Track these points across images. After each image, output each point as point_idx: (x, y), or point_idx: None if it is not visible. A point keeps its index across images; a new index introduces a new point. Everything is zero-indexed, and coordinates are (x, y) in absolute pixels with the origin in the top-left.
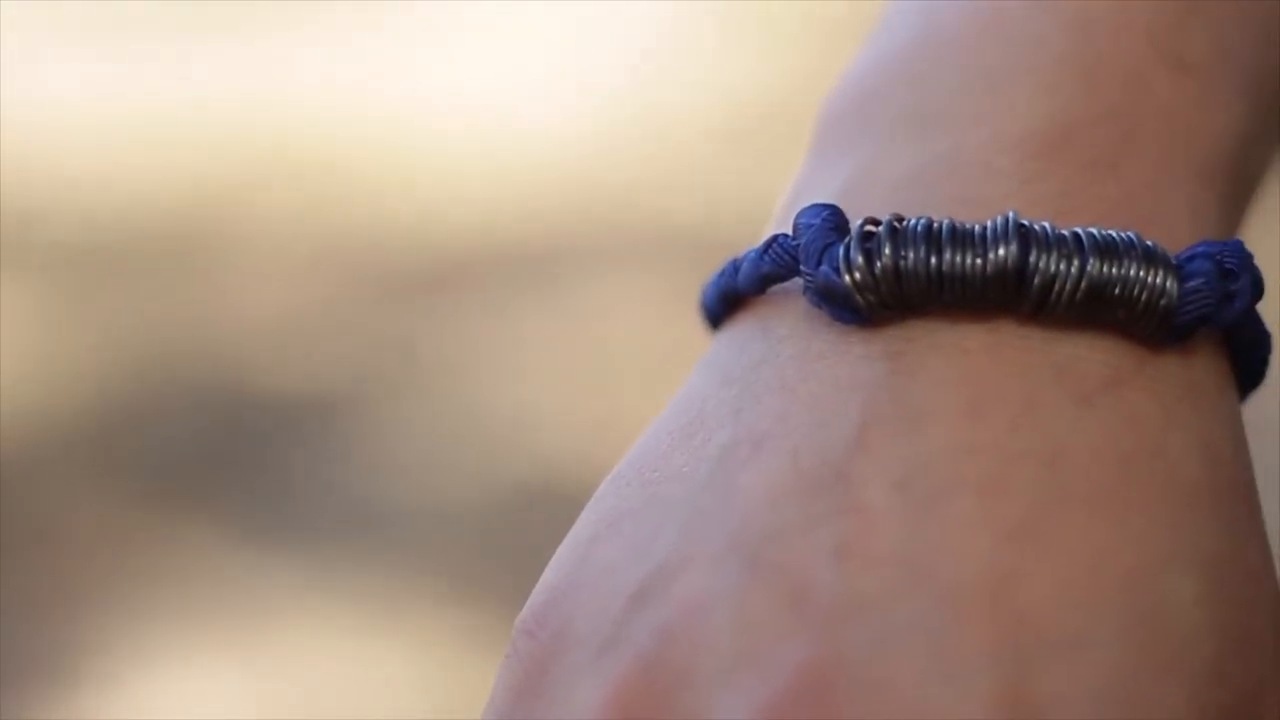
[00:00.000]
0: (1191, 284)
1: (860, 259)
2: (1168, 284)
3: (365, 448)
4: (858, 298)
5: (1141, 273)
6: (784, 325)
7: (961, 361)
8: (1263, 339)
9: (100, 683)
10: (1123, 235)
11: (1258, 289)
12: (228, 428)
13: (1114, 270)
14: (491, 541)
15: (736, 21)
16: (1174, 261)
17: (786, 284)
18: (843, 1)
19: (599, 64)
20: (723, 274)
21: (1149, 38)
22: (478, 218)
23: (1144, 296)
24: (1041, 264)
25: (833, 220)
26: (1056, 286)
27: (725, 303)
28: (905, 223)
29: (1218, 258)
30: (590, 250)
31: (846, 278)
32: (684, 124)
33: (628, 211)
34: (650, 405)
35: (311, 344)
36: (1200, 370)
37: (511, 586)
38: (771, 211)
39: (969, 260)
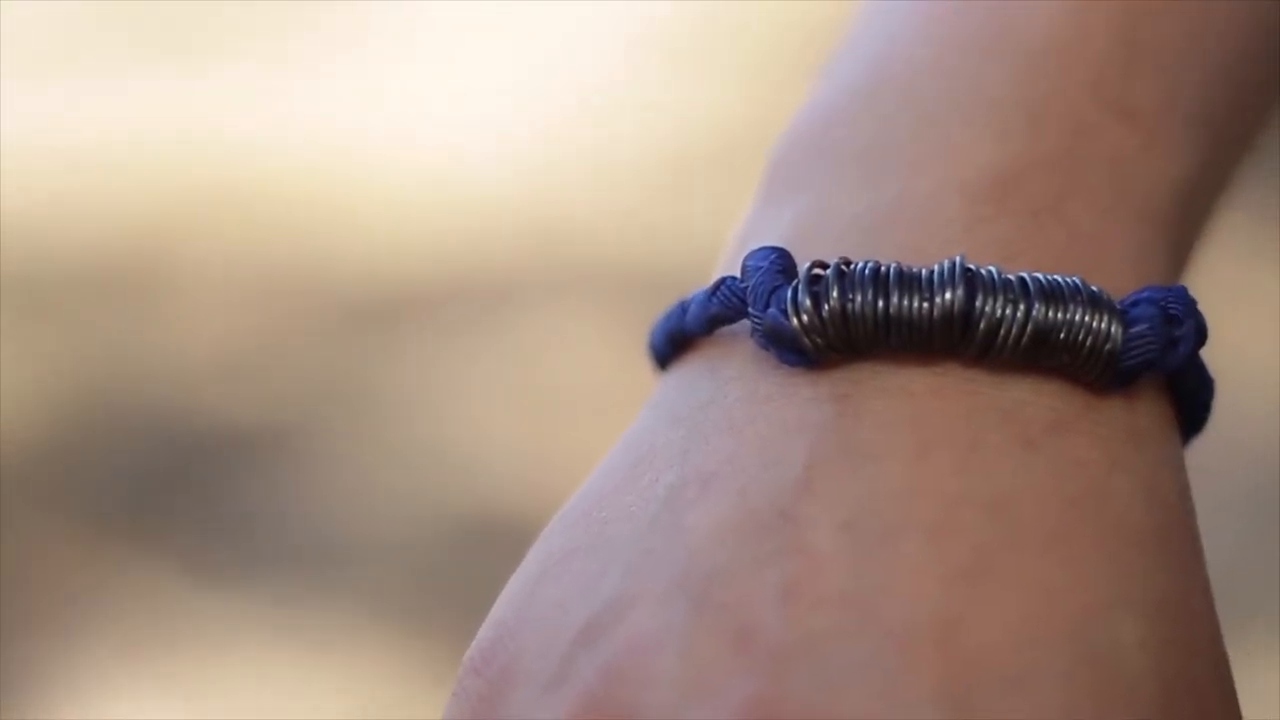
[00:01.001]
0: (1136, 329)
1: (808, 302)
2: (1112, 329)
3: (311, 481)
4: (805, 340)
5: (1086, 318)
6: (731, 367)
7: (908, 404)
8: (1206, 384)
9: (40, 716)
10: (1068, 280)
11: (1201, 335)
12: (173, 460)
13: (1059, 315)
14: (438, 576)
15: (688, 61)
16: (1119, 307)
17: (734, 326)
18: (792, 43)
19: (550, 99)
20: (670, 315)
21: (1094, 84)
22: (428, 251)
23: (1089, 342)
24: (988, 308)
25: (780, 263)
26: (1002, 331)
27: (673, 343)
28: (853, 266)
29: (1162, 303)
30: (540, 286)
31: (794, 320)
32: (635, 161)
33: (577, 247)
34: (599, 443)
35: (258, 377)
36: (1144, 415)
37: (458, 622)
38: (720, 251)
39: (916, 304)
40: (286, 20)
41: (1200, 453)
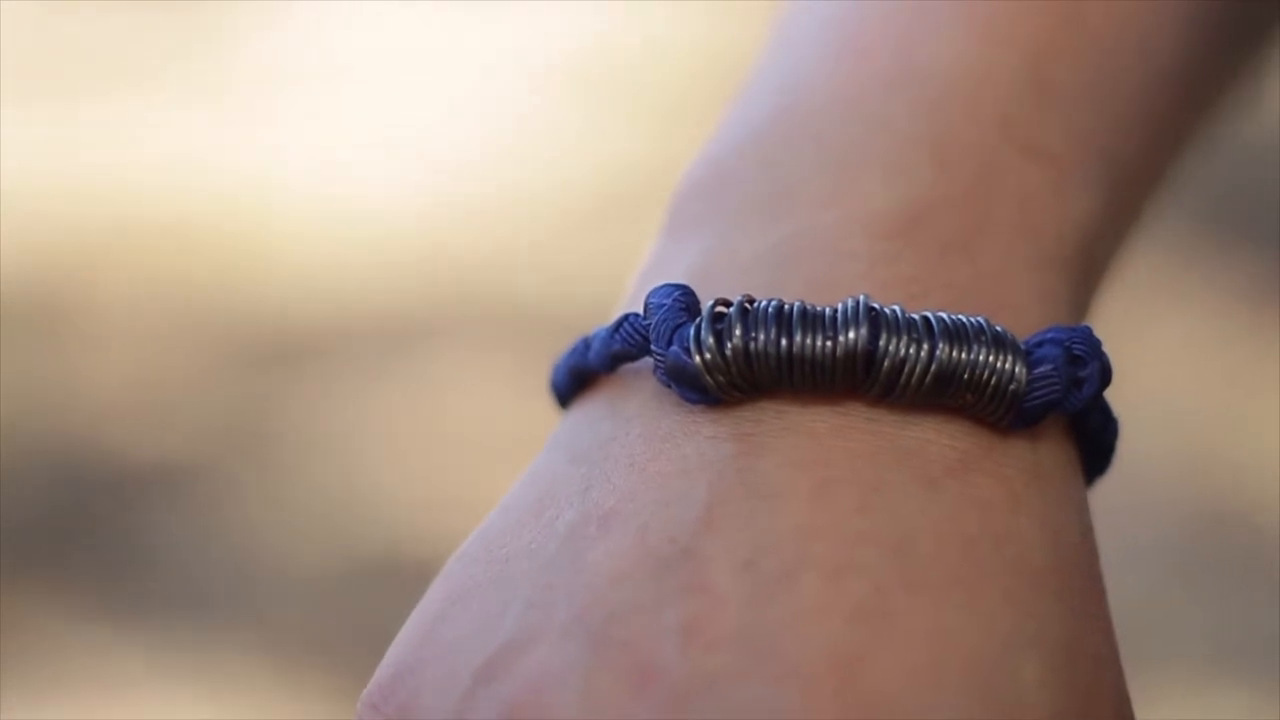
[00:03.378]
0: (1040, 370)
1: (711, 340)
2: (1016, 369)
3: (218, 520)
4: (707, 378)
5: (990, 358)
6: (633, 404)
7: (810, 443)
8: (1110, 425)
9: None
10: (972, 320)
11: (1106, 376)
12: (77, 499)
13: (963, 355)
14: (338, 614)
15: (595, 98)
16: (1023, 347)
17: (637, 363)
18: (703, 81)
19: (456, 137)
20: (573, 352)
21: (1001, 124)
22: (334, 290)
23: (993, 381)
24: (891, 348)
25: (684, 300)
26: (905, 370)
27: (575, 380)
28: (756, 304)
29: (1067, 344)
30: (445, 325)
31: (697, 358)
32: (541, 200)
33: (482, 286)
34: (502, 482)
35: (165, 415)
36: (1048, 456)
37: (357, 660)
38: (622, 290)
39: (819, 343)
40: (194, 57)
41: (1104, 493)
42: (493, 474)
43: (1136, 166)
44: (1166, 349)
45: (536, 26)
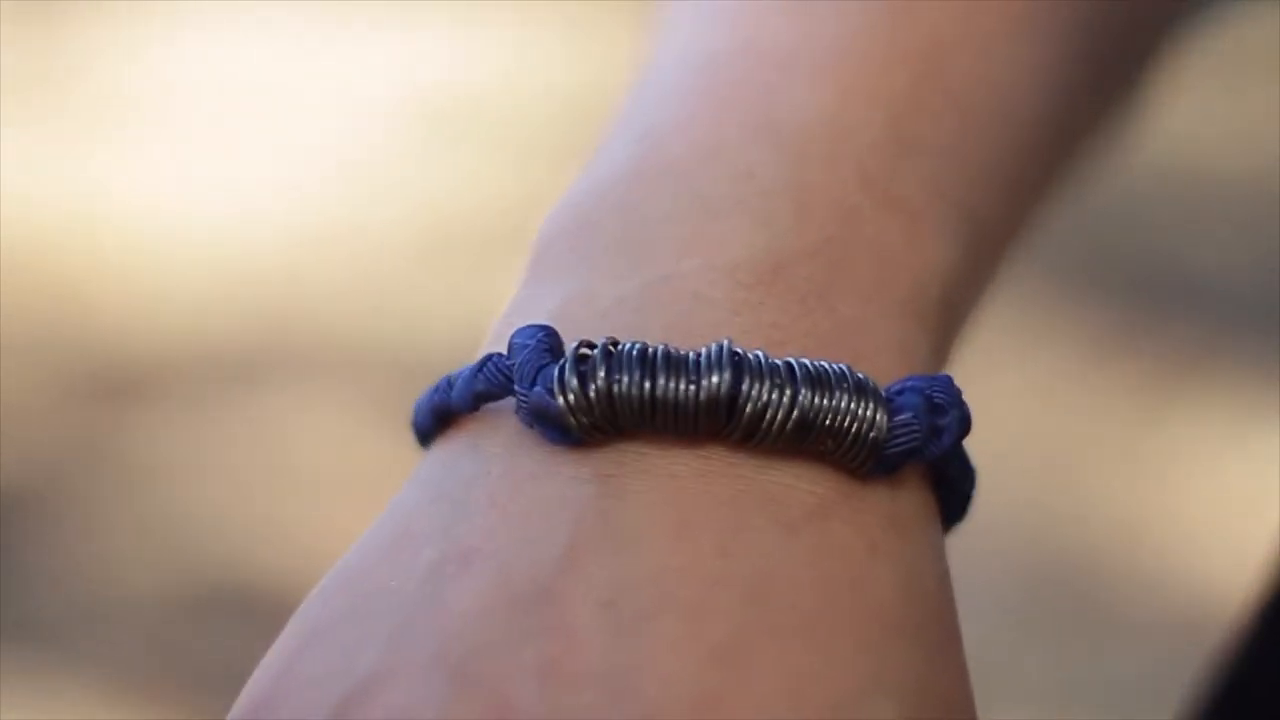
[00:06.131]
0: (900, 418)
1: (574, 381)
2: (877, 417)
3: (54, 549)
4: (570, 419)
5: (852, 405)
6: (496, 444)
7: (670, 486)
8: (968, 474)
9: None
10: (835, 367)
11: (965, 424)
12: None
13: (825, 401)
14: (175, 648)
15: (449, 135)
16: (884, 395)
17: (500, 403)
18: (562, 119)
19: (304, 171)
20: (436, 390)
21: (860, 174)
22: (175, 320)
23: (854, 428)
24: (754, 393)
25: (548, 341)
26: (768, 416)
27: (437, 419)
28: (620, 346)
29: (927, 392)
30: (286, 358)
31: (560, 399)
32: (385, 235)
33: (326, 321)
34: (344, 517)
35: (1, 444)
36: (906, 503)
37: (196, 695)
38: (476, 327)
39: (682, 387)
40: (35, 82)
41: (961, 541)
42: (333, 507)
43: (996, 220)
44: (1009, 398)
45: (391, 59)
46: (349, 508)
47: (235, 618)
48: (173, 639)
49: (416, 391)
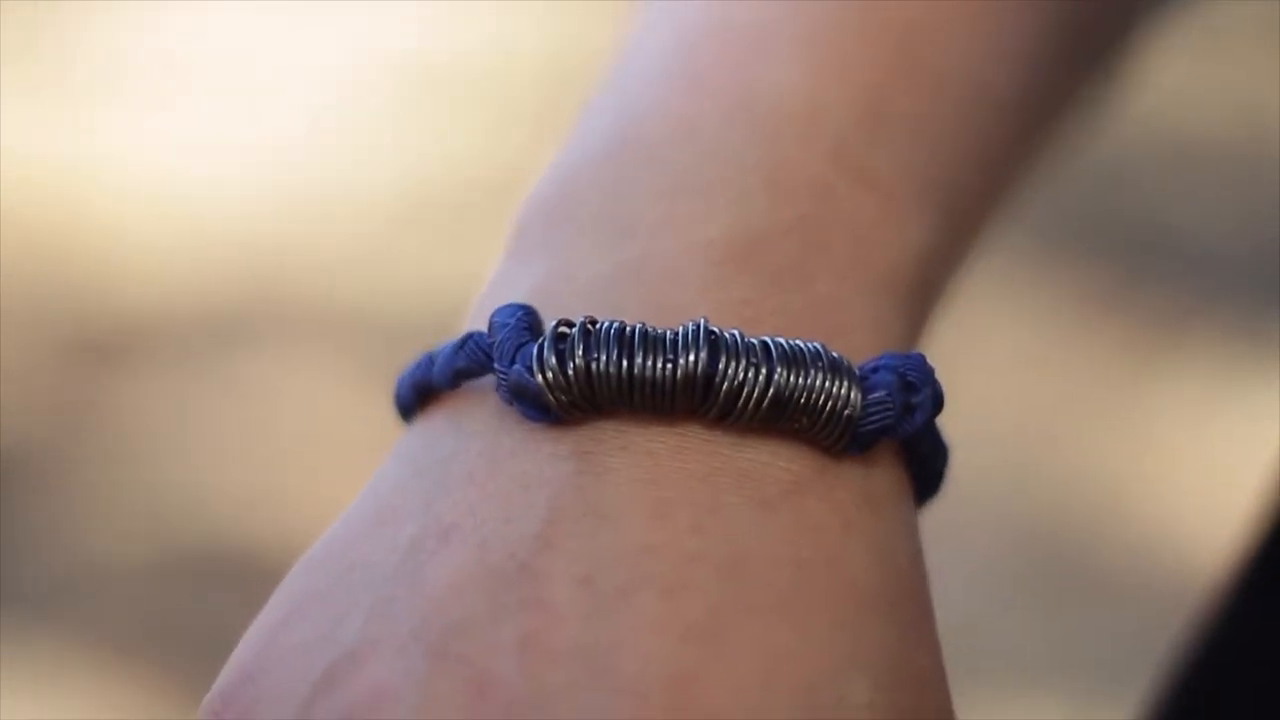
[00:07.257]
0: (874, 396)
1: (553, 359)
2: (851, 395)
3: (40, 513)
4: (549, 397)
5: (826, 383)
6: (476, 421)
7: (648, 463)
8: (940, 451)
9: None
10: (809, 346)
11: (938, 402)
12: None
13: (800, 380)
14: (160, 614)
15: (435, 101)
16: (858, 373)
17: (480, 380)
18: (545, 89)
19: (291, 138)
20: (417, 366)
21: (834, 153)
22: (156, 286)
23: (828, 406)
24: (730, 371)
25: (527, 320)
26: (743, 394)
27: (418, 395)
28: (598, 325)
29: (900, 370)
30: (272, 324)
31: (539, 377)
32: (372, 202)
33: (312, 288)
34: (330, 480)
35: None
36: (880, 480)
37: (181, 661)
38: (460, 291)
39: (659, 365)
40: (28, 52)
41: (935, 517)
42: (316, 473)
43: (972, 196)
44: (994, 363)
45: (375, 26)
46: (335, 471)
47: (221, 583)
48: (158, 604)
49: (401, 355)
